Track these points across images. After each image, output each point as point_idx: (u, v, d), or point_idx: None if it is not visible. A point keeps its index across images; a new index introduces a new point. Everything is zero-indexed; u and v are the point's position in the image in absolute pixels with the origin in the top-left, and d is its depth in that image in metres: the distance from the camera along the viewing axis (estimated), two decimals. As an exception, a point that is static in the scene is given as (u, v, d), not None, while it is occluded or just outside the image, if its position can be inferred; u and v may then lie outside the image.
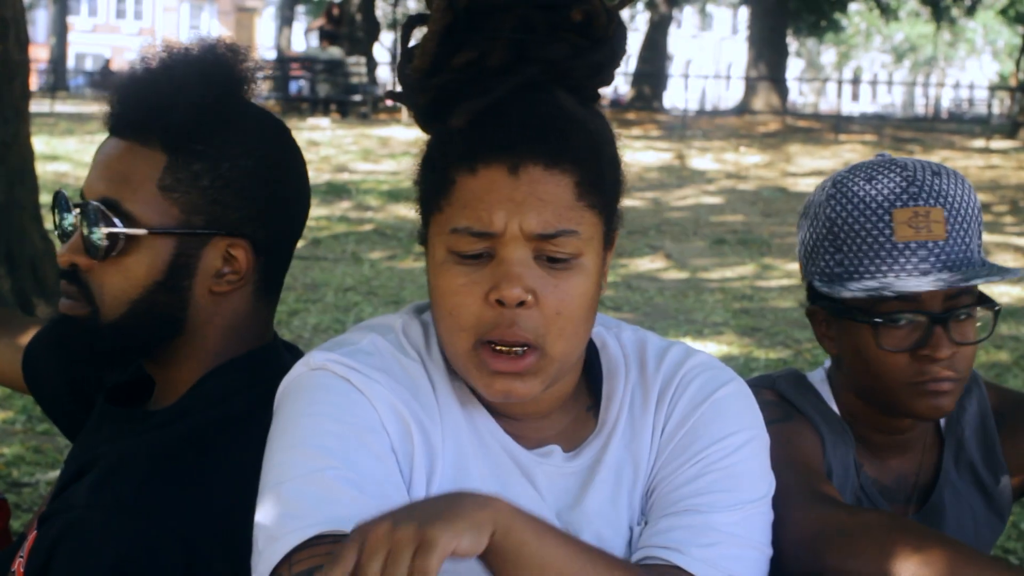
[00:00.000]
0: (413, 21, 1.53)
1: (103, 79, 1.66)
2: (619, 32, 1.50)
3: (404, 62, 1.52)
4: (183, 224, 1.58)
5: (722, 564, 1.43)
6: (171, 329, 1.60)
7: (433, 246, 1.46)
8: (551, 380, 1.46)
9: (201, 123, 1.58)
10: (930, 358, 1.73)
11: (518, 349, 1.42)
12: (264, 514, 1.37)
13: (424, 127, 1.52)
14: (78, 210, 1.60)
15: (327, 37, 23.80)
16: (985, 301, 1.79)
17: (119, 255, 1.56)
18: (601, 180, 1.45)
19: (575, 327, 1.44)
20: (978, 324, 1.79)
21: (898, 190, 1.73)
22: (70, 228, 1.61)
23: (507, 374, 1.42)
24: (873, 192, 1.74)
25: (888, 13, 38.63)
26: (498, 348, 1.42)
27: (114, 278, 1.58)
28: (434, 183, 1.46)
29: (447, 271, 1.43)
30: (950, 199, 1.73)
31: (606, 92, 1.60)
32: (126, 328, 1.58)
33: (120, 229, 1.56)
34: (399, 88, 1.54)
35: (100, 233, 1.56)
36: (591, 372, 1.57)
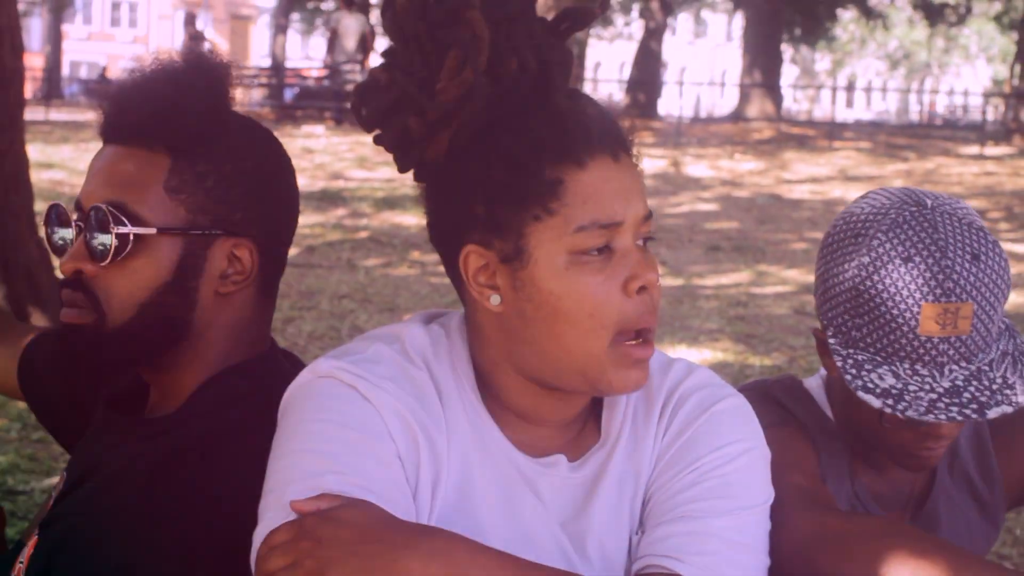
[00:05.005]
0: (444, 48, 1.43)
1: (97, 89, 1.67)
2: None
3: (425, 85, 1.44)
4: (190, 224, 1.59)
5: (720, 570, 1.43)
6: (178, 332, 1.60)
7: (543, 254, 1.43)
8: None
9: (204, 126, 1.60)
10: (932, 436, 1.75)
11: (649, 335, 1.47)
12: (266, 518, 1.38)
13: (462, 144, 1.45)
14: (76, 220, 1.59)
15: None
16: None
17: (126, 257, 1.56)
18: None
19: None
20: None
21: (933, 283, 1.66)
22: (66, 240, 1.62)
23: (643, 362, 1.47)
24: (907, 278, 1.66)
25: (875, 18, 38.51)
26: (635, 338, 1.45)
27: (121, 281, 1.57)
28: (528, 189, 1.42)
29: (578, 272, 1.43)
30: (983, 291, 1.67)
31: (600, 99, 1.61)
32: (134, 332, 1.58)
33: (129, 229, 1.56)
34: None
35: (108, 235, 1.56)
36: None
